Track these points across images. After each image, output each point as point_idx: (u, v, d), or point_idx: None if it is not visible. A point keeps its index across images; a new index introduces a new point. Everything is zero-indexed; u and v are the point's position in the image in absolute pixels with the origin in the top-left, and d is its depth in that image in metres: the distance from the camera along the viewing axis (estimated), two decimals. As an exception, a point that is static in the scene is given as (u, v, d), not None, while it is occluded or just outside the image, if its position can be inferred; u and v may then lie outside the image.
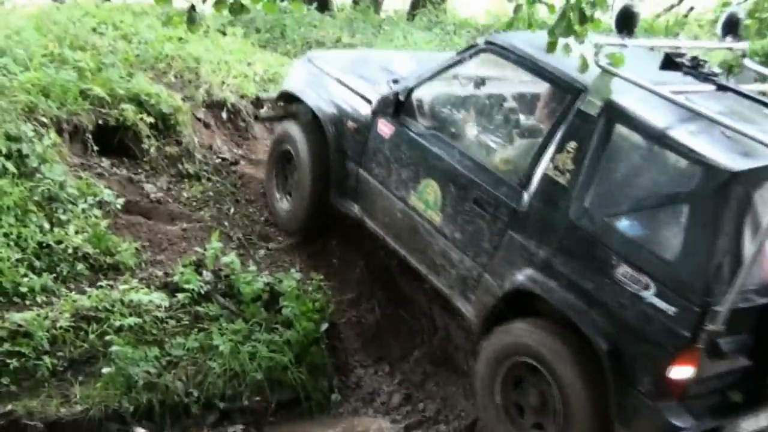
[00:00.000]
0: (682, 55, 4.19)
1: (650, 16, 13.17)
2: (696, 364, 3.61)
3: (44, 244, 4.78)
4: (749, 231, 3.53)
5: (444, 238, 4.60)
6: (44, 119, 5.43)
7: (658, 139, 3.78)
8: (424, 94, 4.91)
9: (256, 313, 4.90)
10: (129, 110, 5.98)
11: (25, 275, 4.57)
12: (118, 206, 5.34)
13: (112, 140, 5.97)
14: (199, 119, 6.54)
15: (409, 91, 4.87)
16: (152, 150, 6.05)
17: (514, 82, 4.92)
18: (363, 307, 5.40)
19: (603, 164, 3.93)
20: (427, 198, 4.69)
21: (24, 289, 4.50)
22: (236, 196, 6.04)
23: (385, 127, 4.98)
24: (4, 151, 4.94)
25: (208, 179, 6.09)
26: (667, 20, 12.63)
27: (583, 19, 3.74)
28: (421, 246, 4.78)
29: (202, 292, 4.89)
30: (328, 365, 4.91)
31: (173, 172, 6.07)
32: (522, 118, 4.73)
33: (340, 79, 5.39)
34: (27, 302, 4.48)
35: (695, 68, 4.13)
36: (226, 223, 5.70)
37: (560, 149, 4.05)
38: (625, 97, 3.93)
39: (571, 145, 4.01)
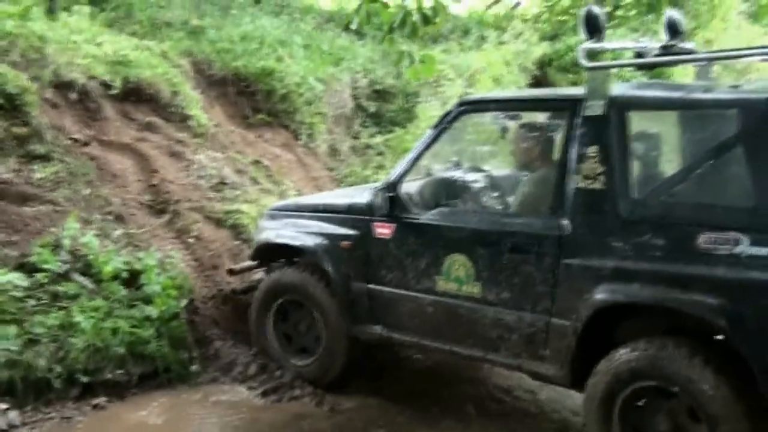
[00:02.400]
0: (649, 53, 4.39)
1: (480, 9, 14.10)
2: None
3: None
4: None
5: (492, 306, 4.30)
6: None
7: (680, 105, 3.96)
8: (412, 183, 4.76)
9: (116, 291, 5.07)
10: (-29, 89, 5.88)
11: None
12: (-33, 188, 5.29)
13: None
14: (46, 100, 6.50)
15: (397, 183, 4.66)
16: (-1, 131, 5.97)
17: (490, 140, 5.05)
18: (222, 282, 5.67)
19: (633, 152, 3.95)
20: (457, 275, 4.42)
21: None
22: (90, 177, 6.08)
23: (383, 229, 4.72)
24: None
25: (60, 161, 6.08)
26: (496, 13, 13.54)
27: (426, 21, 4.20)
28: (467, 329, 4.43)
29: (60, 272, 4.99)
30: (188, 338, 5.18)
31: (22, 152, 6.01)
32: (526, 151, 4.67)
33: (315, 209, 5.16)
34: None
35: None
36: (81, 204, 5.75)
37: (581, 160, 3.97)
38: (621, 89, 4.12)
39: (592, 149, 3.95)
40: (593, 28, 4.02)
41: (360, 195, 4.99)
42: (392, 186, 4.64)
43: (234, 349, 5.36)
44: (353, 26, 5.33)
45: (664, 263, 3.69)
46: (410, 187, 4.71)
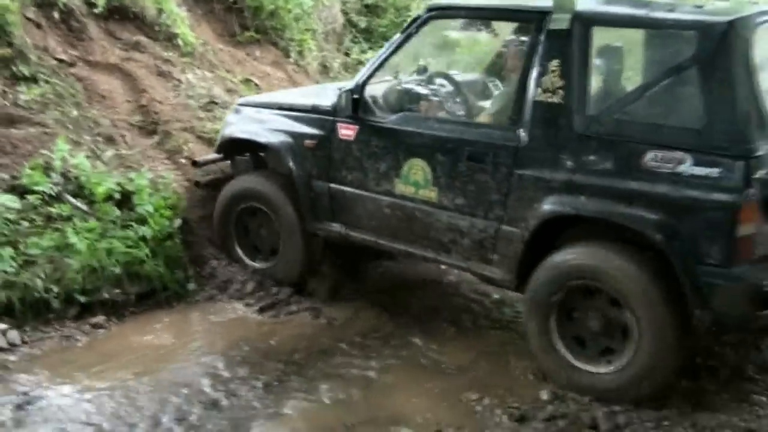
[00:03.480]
0: None
1: None
2: (757, 218, 3.60)
3: None
4: (760, 73, 3.67)
5: (446, 211, 4.48)
6: None
7: (641, 23, 4.03)
8: (379, 85, 4.82)
9: (109, 211, 5.08)
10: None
11: None
12: (-47, 111, 5.22)
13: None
14: (29, 19, 6.34)
15: (362, 86, 4.71)
16: (-19, 52, 5.85)
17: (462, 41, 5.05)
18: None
19: (593, 69, 4.03)
20: (415, 179, 4.56)
21: None
22: (78, 98, 6.00)
23: (347, 131, 4.80)
24: None
25: (47, 82, 5.97)
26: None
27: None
28: (422, 231, 4.62)
29: (53, 193, 4.99)
30: (184, 258, 5.22)
31: (7, 74, 5.88)
32: (488, 62, 4.84)
33: (281, 106, 5.21)
34: None
35: None
36: (70, 126, 5.69)
37: (543, 73, 4.05)
38: (586, 3, 4.14)
39: (554, 63, 4.03)
40: None
41: (326, 95, 5.04)
42: (357, 88, 4.70)
43: (230, 268, 5.40)
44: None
45: (611, 178, 3.85)
46: (376, 89, 4.77)
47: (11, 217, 4.71)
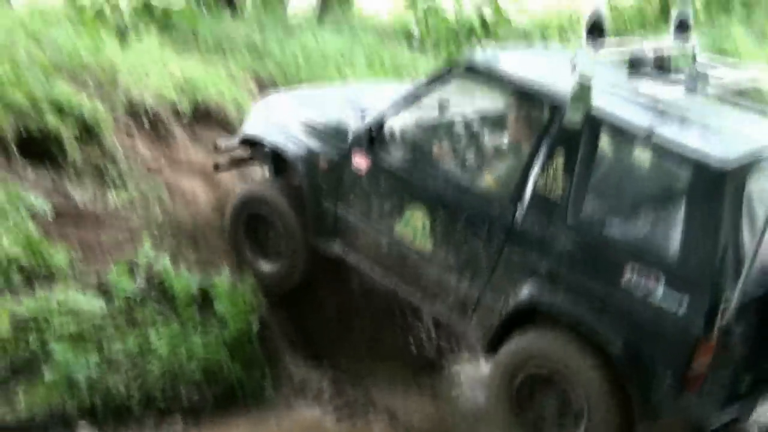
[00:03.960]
0: (646, 58, 4.45)
1: (544, 14, 13.87)
2: (712, 357, 3.73)
3: (-23, 256, 4.85)
4: (747, 222, 3.75)
5: (436, 265, 4.62)
6: (-36, 131, 5.46)
7: (646, 143, 3.96)
8: (399, 124, 4.86)
9: (191, 314, 5.14)
10: (51, 118, 6.06)
11: (-41, 288, 4.65)
12: (48, 214, 5.43)
13: (35, 148, 6.02)
14: (120, 126, 6.65)
15: (382, 123, 4.83)
16: (76, 157, 6.13)
17: (485, 103, 4.97)
18: (295, 306, 5.70)
19: (592, 172, 4.09)
20: (414, 226, 4.67)
21: (-39, 301, 4.59)
22: (163, 201, 6.20)
23: (360, 161, 4.92)
24: (-73, 165, 4.98)
25: (134, 185, 6.21)
26: (560, 21, 13.31)
27: (487, 32, 4.13)
28: (412, 276, 4.77)
29: (137, 296, 5.09)
30: (262, 361, 5.22)
31: (98, 178, 6.17)
32: (501, 137, 4.81)
33: (307, 118, 5.28)
34: (-36, 314, 4.57)
35: (661, 68, 4.46)
36: (155, 229, 5.86)
37: (546, 165, 4.15)
38: (604, 105, 4.07)
39: (558, 159, 4.13)
40: (596, 30, 4.17)
41: (354, 113, 5.12)
42: (378, 124, 4.85)
43: (305, 368, 5.41)
44: (414, 38, 5.29)
45: (589, 286, 4.00)
46: (400, 124, 4.84)
47: (97, 320, 4.81)
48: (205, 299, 5.29)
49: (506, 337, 4.32)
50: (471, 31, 4.05)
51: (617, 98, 4.18)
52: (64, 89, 6.38)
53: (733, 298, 3.62)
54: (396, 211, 4.76)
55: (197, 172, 6.79)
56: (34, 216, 5.35)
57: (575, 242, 4.06)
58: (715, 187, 3.71)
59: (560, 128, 4.14)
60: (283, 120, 5.38)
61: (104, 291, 5.05)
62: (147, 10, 8.69)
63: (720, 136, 3.95)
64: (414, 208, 4.67)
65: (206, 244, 5.97)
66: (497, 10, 4.08)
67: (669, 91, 4.20)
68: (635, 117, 4.05)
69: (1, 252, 4.92)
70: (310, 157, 5.14)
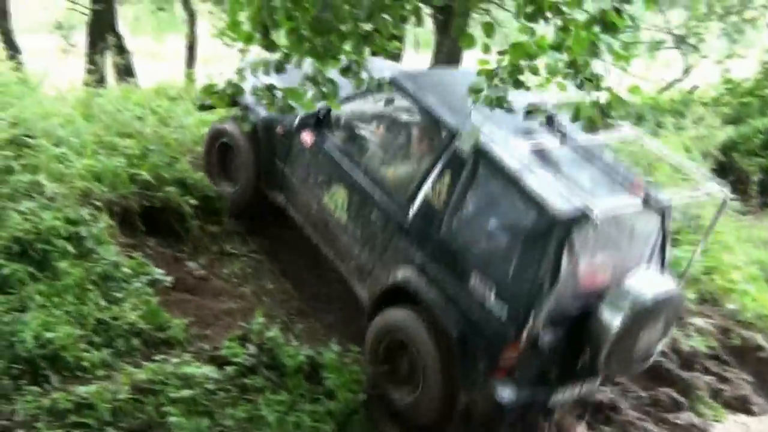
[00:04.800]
0: (541, 109, 5.18)
1: (654, 90, 13.68)
2: (519, 354, 4.86)
3: (102, 321, 5.09)
4: (566, 260, 4.76)
5: (347, 235, 5.75)
6: (98, 203, 5.83)
7: (509, 180, 4.96)
8: (341, 115, 5.91)
9: (299, 384, 5.19)
10: (173, 193, 6.42)
11: (86, 350, 4.86)
12: (167, 284, 5.68)
13: (157, 221, 6.37)
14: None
15: (327, 113, 5.91)
16: (195, 230, 6.44)
17: (405, 114, 5.77)
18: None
19: (468, 195, 5.13)
20: (336, 200, 5.82)
21: (86, 364, 4.79)
22: (274, 272, 6.38)
23: (307, 137, 6.06)
24: (64, 234, 5.32)
25: (247, 257, 6.45)
26: (671, 98, 13.10)
27: (603, 113, 4.14)
28: (331, 237, 5.92)
29: (248, 365, 5.19)
30: (367, 433, 5.19)
31: (214, 250, 6.44)
32: (412, 146, 5.69)
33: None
34: (88, 376, 4.77)
35: (549, 122, 5.35)
36: (266, 299, 6.03)
37: (438, 178, 5.24)
38: (491, 142, 5.05)
39: (446, 176, 5.22)
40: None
41: None
42: (324, 111, 5.92)
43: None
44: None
45: (445, 281, 5.14)
46: (342, 113, 5.86)
47: (210, 387, 4.93)
48: (313, 369, 5.33)
49: (383, 307, 5.42)
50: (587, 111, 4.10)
51: (500, 140, 5.04)
52: (185, 166, 6.76)
53: (540, 314, 4.76)
54: (326, 185, 5.89)
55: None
56: (153, 285, 5.59)
57: (443, 246, 5.18)
58: (546, 230, 4.76)
59: (453, 152, 5.20)
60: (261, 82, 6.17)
61: (217, 358, 5.17)
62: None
63: (564, 188, 4.80)
64: (339, 186, 5.78)
65: (315, 316, 6.08)
66: (612, 94, 4.11)
67: (546, 140, 5.19)
68: (508, 159, 4.99)
69: (123, 319, 5.16)
70: (270, 122, 6.25)
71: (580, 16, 3.84)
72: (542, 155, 5.06)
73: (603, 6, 3.71)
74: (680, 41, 13.80)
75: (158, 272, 5.70)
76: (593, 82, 4.01)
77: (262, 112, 6.07)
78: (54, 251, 5.19)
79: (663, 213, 5.27)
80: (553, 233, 4.74)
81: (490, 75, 4.23)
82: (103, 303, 5.21)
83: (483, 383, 5.00)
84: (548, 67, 4.07)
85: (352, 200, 5.69)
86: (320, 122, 5.98)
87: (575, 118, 4.24)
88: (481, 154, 5.08)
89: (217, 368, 5.09)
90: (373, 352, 5.45)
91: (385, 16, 3.99)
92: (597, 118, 4.04)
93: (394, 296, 5.40)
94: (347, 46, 4.21)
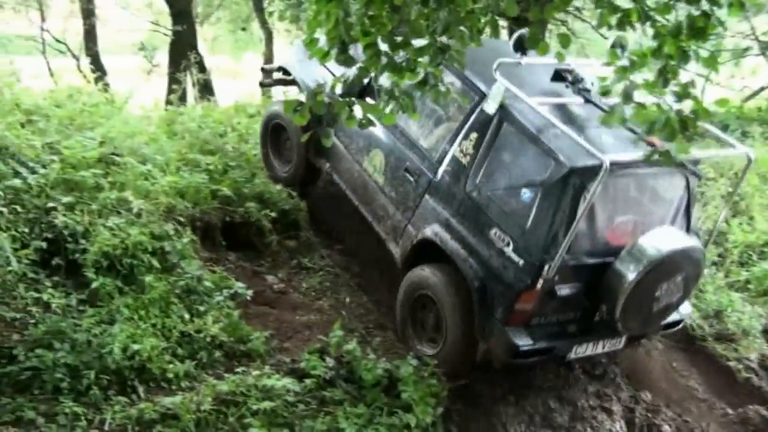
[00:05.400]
0: (569, 72, 5.64)
1: (739, 98, 13.24)
2: (535, 302, 5.12)
3: (185, 334, 5.23)
4: (581, 210, 4.91)
5: (384, 196, 6.13)
6: (181, 218, 6.00)
7: (528, 136, 5.22)
8: (383, 82, 5.75)
9: (377, 397, 5.19)
10: (253, 208, 6.55)
11: (170, 362, 5.00)
12: (248, 297, 5.79)
13: (237, 235, 6.50)
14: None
15: (371, 78, 5.64)
16: (274, 244, 6.55)
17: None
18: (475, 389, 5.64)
19: (492, 152, 5.39)
20: (375, 164, 6.20)
21: (170, 375, 4.93)
22: (351, 286, 6.43)
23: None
24: (150, 248, 5.48)
25: (325, 271, 6.52)
26: (759, 107, 12.64)
27: (684, 126, 4.01)
28: (369, 200, 6.31)
29: (327, 377, 5.23)
30: (446, 449, 5.15)
31: (293, 264, 6.53)
32: (444, 108, 5.90)
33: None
34: (173, 387, 4.90)
35: (574, 83, 5.63)
36: (343, 312, 6.07)
37: (465, 137, 5.52)
38: (515, 103, 5.32)
39: (473, 135, 5.50)
40: (520, 47, 5.42)
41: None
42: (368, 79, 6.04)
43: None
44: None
45: (468, 234, 5.43)
46: (383, 82, 5.72)
47: (290, 399, 4.98)
48: (390, 383, 5.33)
49: (414, 265, 5.78)
50: (670, 123, 3.98)
51: (525, 100, 5.21)
52: (264, 181, 6.89)
53: (556, 263, 4.95)
54: (366, 150, 6.29)
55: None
56: (234, 298, 5.71)
57: (467, 201, 5.49)
58: (560, 183, 5.02)
59: (480, 112, 5.48)
60: (306, 59, 6.41)
61: (296, 371, 5.23)
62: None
63: (581, 142, 4.93)
64: (377, 150, 6.14)
65: (393, 330, 6.08)
66: (698, 103, 3.99)
67: (569, 100, 5.51)
68: (530, 117, 5.26)
69: (205, 331, 5.28)
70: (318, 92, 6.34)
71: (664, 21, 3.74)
72: (563, 114, 5.35)
73: (692, 11, 3.61)
74: (767, 48, 13.32)
75: (239, 286, 5.81)
76: (683, 90, 3.89)
77: (312, 83, 6.26)
78: (140, 265, 5.35)
79: (687, 176, 5.51)
80: (568, 183, 5.00)
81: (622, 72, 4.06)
82: (186, 316, 5.35)
83: (500, 331, 5.21)
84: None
85: (388, 163, 6.09)
86: (362, 92, 5.97)
87: (650, 129, 4.12)
88: (504, 113, 5.37)
89: (296, 381, 5.14)
90: (404, 309, 5.82)
91: (462, 29, 3.98)
92: (678, 129, 3.90)
93: (422, 254, 5.76)
94: (424, 59, 4.21)
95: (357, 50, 4.21)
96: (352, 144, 6.46)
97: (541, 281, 5.02)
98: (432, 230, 5.63)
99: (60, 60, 14.76)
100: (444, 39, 4.11)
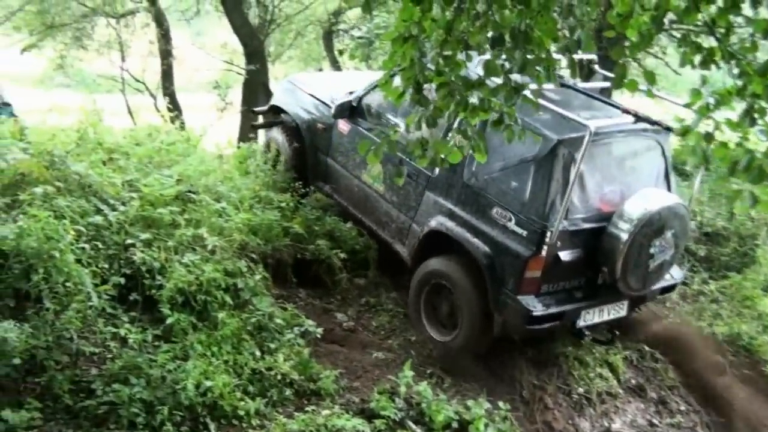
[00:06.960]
0: None
1: None
2: (542, 268, 5.54)
3: (257, 371, 5.25)
4: (571, 179, 5.39)
5: (386, 202, 6.59)
6: (254, 255, 6.06)
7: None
8: (370, 101, 6.83)
9: (447, 440, 5.11)
10: (323, 245, 6.58)
11: (242, 399, 5.01)
12: (318, 335, 5.78)
13: (308, 273, 6.54)
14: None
15: (359, 99, 6.85)
16: (344, 282, 6.56)
17: None
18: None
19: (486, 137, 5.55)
20: (373, 174, 6.67)
21: (241, 413, 4.93)
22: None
23: (343, 126, 7.02)
24: (223, 285, 5.54)
25: (393, 310, 6.49)
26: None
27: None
28: (371, 209, 6.77)
29: (397, 419, 5.17)
30: (518, 496, 5.01)
31: (362, 302, 6.52)
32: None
33: (311, 93, 7.49)
34: (243, 425, 4.90)
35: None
36: (412, 351, 6.01)
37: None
38: None
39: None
40: None
41: (346, 92, 7.13)
42: (357, 99, 6.91)
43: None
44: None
45: (471, 218, 5.87)
46: (371, 100, 6.84)
47: (359, 439, 4.94)
48: (460, 425, 5.24)
49: (422, 259, 6.19)
50: (756, 163, 3.83)
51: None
52: (334, 219, 6.93)
53: (557, 228, 5.42)
54: (363, 163, 6.67)
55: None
56: (305, 336, 5.71)
57: (467, 189, 5.93)
58: (550, 153, 5.51)
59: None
60: (295, 94, 7.66)
61: (365, 411, 5.19)
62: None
63: (568, 114, 5.47)
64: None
65: (463, 370, 5.99)
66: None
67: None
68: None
69: (276, 369, 5.29)
70: (312, 123, 7.35)
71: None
72: (543, 98, 5.36)
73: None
74: None
75: (309, 323, 5.82)
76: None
77: (305, 116, 7.42)
78: (214, 302, 5.41)
79: (661, 142, 6.04)
80: (557, 152, 5.49)
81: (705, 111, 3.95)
82: (257, 353, 5.38)
83: (514, 300, 5.58)
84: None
85: (386, 170, 6.51)
86: (353, 111, 6.87)
87: (732, 170, 3.95)
88: None
89: (366, 421, 5.10)
90: (416, 302, 6.22)
91: (539, 69, 3.95)
92: None
93: (430, 248, 6.14)
94: (498, 98, 4.18)
95: (431, 91, 4.21)
96: (348, 162, 6.97)
97: (545, 247, 5.45)
98: (437, 221, 6.06)
99: (138, 98, 15.26)
100: (518, 78, 4.08)
